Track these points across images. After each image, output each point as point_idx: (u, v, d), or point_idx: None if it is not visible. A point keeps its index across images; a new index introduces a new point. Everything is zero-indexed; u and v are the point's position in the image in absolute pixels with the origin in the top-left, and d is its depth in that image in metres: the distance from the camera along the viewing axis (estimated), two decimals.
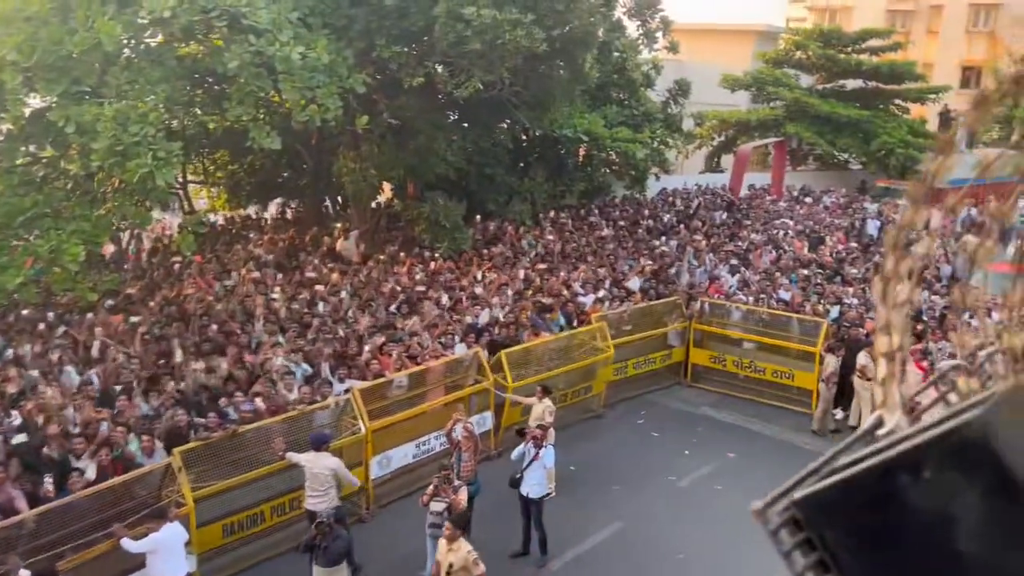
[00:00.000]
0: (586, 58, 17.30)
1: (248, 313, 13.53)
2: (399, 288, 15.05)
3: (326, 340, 12.39)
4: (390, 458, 10.87)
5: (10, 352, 11.25)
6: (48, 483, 8.01)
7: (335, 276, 15.80)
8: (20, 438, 8.84)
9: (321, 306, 14.10)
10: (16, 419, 9.19)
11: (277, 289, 14.79)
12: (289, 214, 21.66)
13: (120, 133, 11.27)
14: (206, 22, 12.24)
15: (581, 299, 15.30)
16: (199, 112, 16.10)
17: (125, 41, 12.58)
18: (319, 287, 14.92)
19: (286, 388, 10.69)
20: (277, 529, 9.72)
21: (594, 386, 13.94)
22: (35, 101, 12.64)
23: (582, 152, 22.58)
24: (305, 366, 11.60)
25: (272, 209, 22.14)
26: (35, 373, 10.37)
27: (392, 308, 14.21)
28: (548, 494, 9.55)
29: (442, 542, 7.64)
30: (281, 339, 12.43)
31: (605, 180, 23.73)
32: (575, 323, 14.43)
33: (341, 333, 12.82)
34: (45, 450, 8.63)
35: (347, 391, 10.67)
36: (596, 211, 22.51)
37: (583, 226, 20.95)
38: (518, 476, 9.59)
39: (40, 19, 11.80)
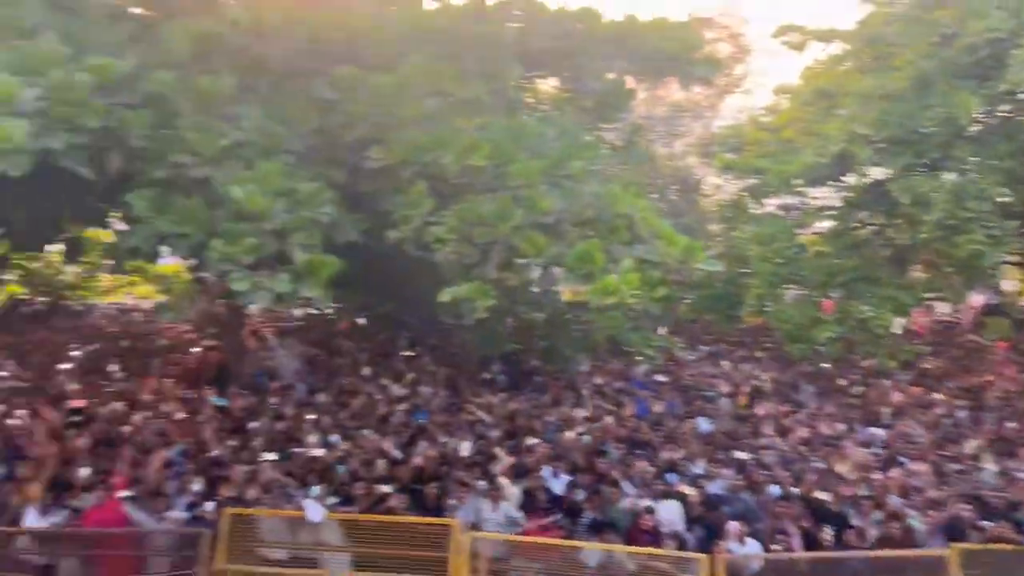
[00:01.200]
0: None
1: None
2: None
3: None
4: None
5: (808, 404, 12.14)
6: (828, 532, 8.36)
7: None
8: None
9: None
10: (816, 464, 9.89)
11: None
12: None
13: (954, 207, 11.13)
14: None
15: None
16: None
17: (976, 115, 12.37)
18: None
19: None
20: None
21: None
22: (874, 172, 13.50)
23: None
24: None
25: None
26: (842, 427, 10.88)
27: None
28: None
29: None
30: None
31: None
32: None
33: None
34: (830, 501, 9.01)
35: None
36: None
37: None
38: None
39: (896, 96, 12.53)
